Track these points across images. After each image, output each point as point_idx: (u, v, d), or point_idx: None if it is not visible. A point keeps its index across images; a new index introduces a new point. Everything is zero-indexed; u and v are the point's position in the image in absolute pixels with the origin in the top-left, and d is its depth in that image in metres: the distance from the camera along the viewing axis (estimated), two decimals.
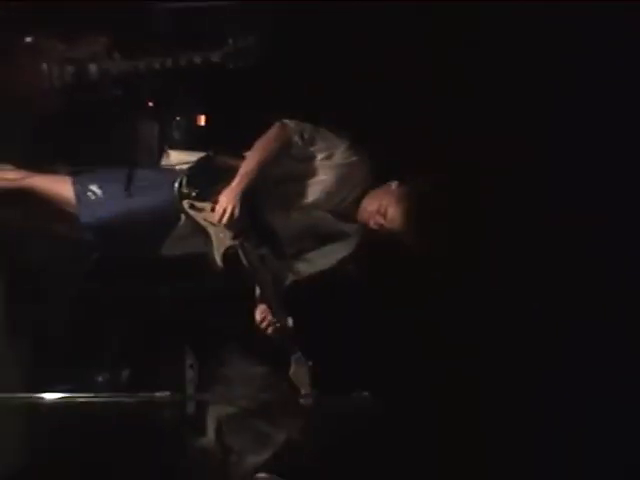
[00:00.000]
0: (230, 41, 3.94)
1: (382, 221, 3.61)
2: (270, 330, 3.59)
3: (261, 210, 3.65)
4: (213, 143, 3.89)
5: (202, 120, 4.20)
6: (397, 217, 3.60)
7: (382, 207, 3.63)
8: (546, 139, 4.09)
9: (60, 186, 3.71)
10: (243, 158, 3.65)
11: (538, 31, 4.06)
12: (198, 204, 3.60)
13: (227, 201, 3.56)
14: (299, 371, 3.49)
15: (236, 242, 3.59)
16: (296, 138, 3.65)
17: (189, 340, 3.86)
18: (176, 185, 3.61)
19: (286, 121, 3.66)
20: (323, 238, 3.72)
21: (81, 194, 3.68)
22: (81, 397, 3.58)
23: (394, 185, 3.67)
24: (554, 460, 3.98)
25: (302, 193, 3.68)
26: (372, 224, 3.65)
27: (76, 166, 3.79)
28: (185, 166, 3.71)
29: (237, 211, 3.55)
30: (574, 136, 4.09)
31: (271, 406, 3.77)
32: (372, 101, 4.05)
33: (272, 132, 3.65)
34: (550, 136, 4.10)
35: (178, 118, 4.18)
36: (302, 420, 3.75)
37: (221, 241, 3.59)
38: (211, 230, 3.60)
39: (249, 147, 3.66)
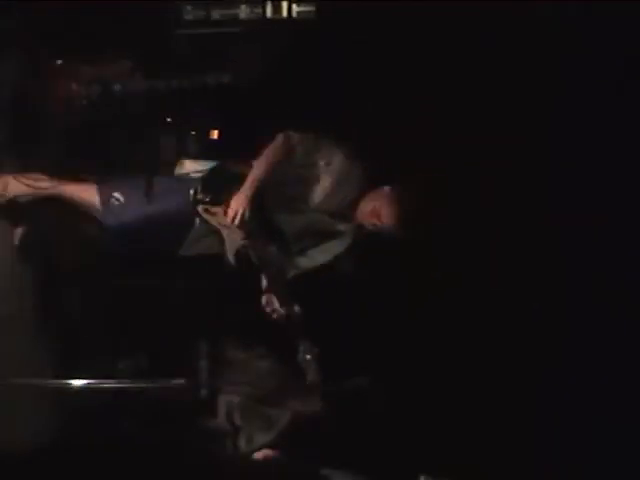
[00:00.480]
0: (238, 64, 4.22)
1: (376, 221, 3.76)
2: (276, 317, 3.75)
3: (268, 212, 3.78)
4: (224, 154, 4.04)
5: (214, 134, 4.39)
6: (389, 217, 3.73)
7: (376, 208, 3.76)
8: (546, 139, 4.10)
9: (87, 193, 3.87)
10: (251, 166, 3.79)
11: (538, 31, 4.06)
12: (211, 208, 3.75)
13: (237, 205, 3.69)
14: (307, 357, 3.59)
15: (246, 241, 3.74)
16: (299, 147, 3.79)
17: (203, 331, 3.91)
18: (191, 192, 3.78)
19: (289, 132, 3.81)
20: (321, 236, 3.85)
21: (105, 200, 3.84)
22: (105, 383, 3.76)
23: (387, 188, 3.79)
24: (554, 460, 3.97)
25: (304, 196, 3.82)
26: (368, 224, 3.79)
27: (101, 175, 3.95)
28: (199, 174, 3.86)
29: (246, 213, 3.69)
30: (574, 136, 4.09)
31: (278, 391, 3.87)
32: (367, 114, 4.17)
33: (277, 142, 3.80)
34: (550, 136, 4.11)
35: (193, 132, 4.39)
36: (307, 403, 3.83)
37: (233, 241, 3.75)
38: (224, 231, 3.76)
39: (256, 156, 3.79)
